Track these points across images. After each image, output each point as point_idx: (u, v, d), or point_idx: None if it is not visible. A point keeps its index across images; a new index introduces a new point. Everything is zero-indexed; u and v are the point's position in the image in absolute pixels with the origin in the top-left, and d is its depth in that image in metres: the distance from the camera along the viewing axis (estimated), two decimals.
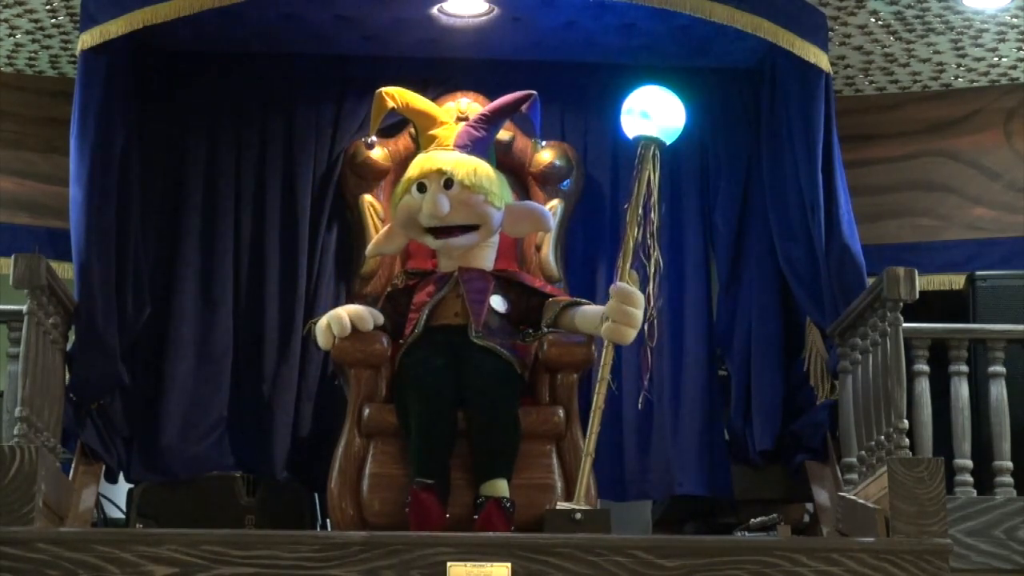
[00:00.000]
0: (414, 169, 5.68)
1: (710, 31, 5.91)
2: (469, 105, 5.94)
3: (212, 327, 5.95)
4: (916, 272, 5.24)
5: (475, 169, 5.62)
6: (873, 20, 6.06)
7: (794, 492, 5.98)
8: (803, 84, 5.89)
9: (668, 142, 5.50)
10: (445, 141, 5.69)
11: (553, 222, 5.85)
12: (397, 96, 5.72)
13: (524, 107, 5.72)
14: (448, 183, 5.59)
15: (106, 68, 5.65)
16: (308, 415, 5.92)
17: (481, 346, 5.43)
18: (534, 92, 5.71)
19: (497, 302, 5.57)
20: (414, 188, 5.63)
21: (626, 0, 5.69)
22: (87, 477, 5.55)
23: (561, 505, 5.17)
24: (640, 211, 5.38)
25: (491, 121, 5.74)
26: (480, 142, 5.70)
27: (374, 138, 5.94)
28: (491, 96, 5.90)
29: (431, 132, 5.73)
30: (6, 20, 6.00)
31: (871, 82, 6.52)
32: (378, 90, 5.72)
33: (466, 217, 5.62)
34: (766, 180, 6.11)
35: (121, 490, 6.10)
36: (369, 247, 5.88)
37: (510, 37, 6.06)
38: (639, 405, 5.57)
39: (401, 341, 5.50)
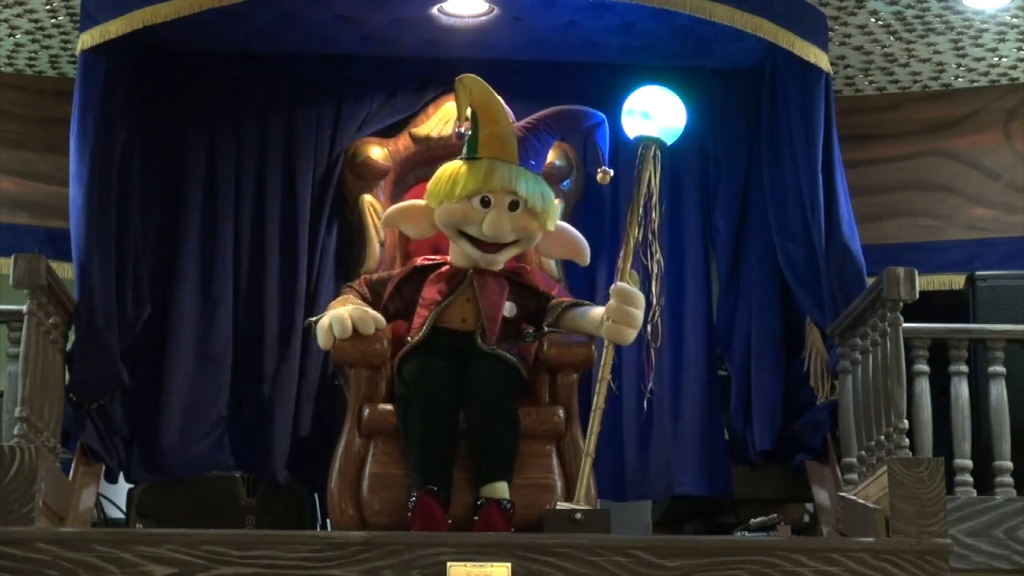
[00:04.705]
0: (479, 177, 5.42)
1: (710, 31, 5.91)
2: None
3: (212, 327, 5.95)
4: (916, 272, 5.23)
5: (542, 195, 5.48)
6: (873, 20, 6.06)
7: (794, 492, 5.98)
8: (803, 84, 5.89)
9: (669, 142, 5.49)
10: (510, 152, 5.47)
11: (589, 257, 5.70)
12: (472, 87, 5.47)
13: (592, 133, 5.53)
14: (514, 204, 5.48)
15: (106, 68, 5.64)
16: (308, 415, 5.90)
17: (487, 352, 5.39)
18: (603, 116, 5.53)
19: (508, 308, 5.51)
20: (478, 200, 5.45)
21: (626, 0, 5.69)
22: (87, 477, 5.55)
23: (561, 505, 5.16)
24: (641, 211, 5.38)
25: (552, 133, 5.57)
26: (542, 158, 5.58)
27: (462, 129, 5.60)
28: None
29: (490, 131, 5.46)
30: (6, 20, 6.00)
31: (871, 82, 6.52)
32: (458, 77, 5.48)
33: (516, 236, 5.51)
34: (766, 180, 6.11)
35: (121, 490, 6.09)
36: (388, 214, 5.70)
37: (510, 37, 6.06)
38: (644, 406, 5.58)
39: (408, 339, 5.46)
